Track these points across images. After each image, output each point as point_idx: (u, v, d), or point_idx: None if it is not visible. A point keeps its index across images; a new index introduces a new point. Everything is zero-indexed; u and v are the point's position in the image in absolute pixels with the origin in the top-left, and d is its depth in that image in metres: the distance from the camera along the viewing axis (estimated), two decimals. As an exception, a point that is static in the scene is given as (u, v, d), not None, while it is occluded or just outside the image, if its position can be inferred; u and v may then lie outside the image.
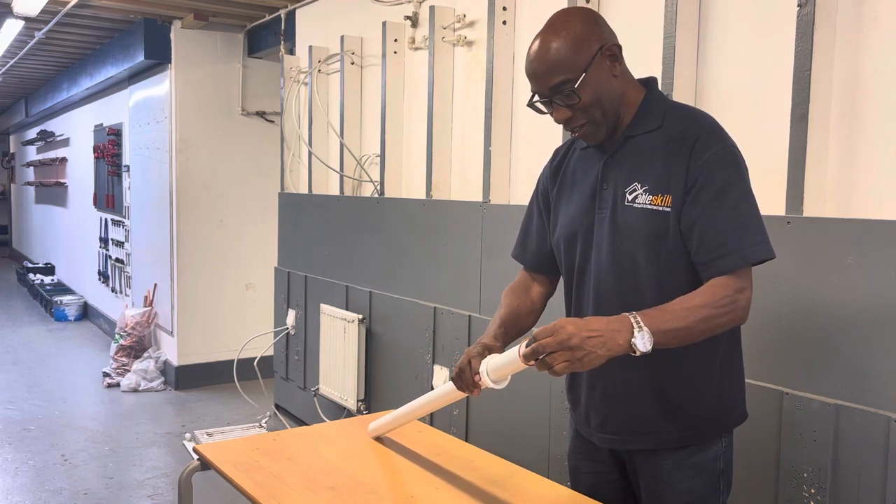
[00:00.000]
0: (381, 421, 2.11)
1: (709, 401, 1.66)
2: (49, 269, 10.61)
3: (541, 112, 1.69)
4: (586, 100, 1.60)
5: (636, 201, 1.61)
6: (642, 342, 1.41)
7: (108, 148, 7.22)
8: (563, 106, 1.62)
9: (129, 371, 5.93)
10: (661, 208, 1.58)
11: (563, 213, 1.76)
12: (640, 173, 1.62)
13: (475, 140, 3.24)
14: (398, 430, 2.10)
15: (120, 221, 7.22)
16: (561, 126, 1.77)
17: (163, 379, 5.92)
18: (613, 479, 1.79)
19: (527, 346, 1.43)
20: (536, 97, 1.66)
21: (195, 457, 2.02)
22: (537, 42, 1.64)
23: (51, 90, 9.01)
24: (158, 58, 5.63)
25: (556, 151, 1.87)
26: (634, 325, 1.41)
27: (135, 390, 5.78)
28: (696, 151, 1.55)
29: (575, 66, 1.59)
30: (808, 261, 1.99)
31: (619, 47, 1.64)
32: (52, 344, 7.49)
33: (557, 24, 1.64)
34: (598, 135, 1.66)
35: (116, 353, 6.09)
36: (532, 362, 1.43)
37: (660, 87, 2.35)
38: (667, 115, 1.64)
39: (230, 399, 5.43)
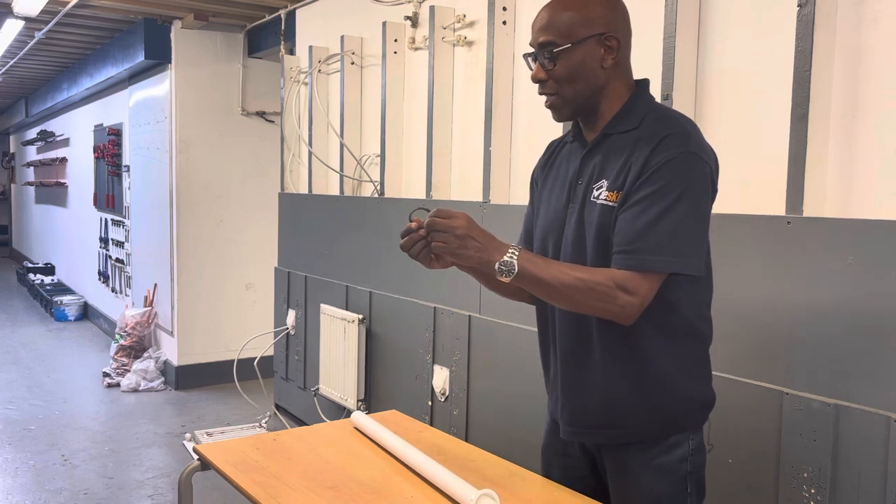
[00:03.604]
0: (367, 423, 2.14)
1: (661, 398, 1.65)
2: (49, 269, 10.62)
3: (529, 67, 1.71)
4: (561, 71, 1.62)
5: (598, 198, 1.62)
6: (501, 269, 1.52)
7: (108, 148, 7.22)
8: (542, 67, 1.64)
9: (129, 371, 5.93)
10: (612, 204, 1.59)
11: (545, 206, 1.78)
12: (607, 170, 1.63)
13: (475, 140, 3.24)
14: (399, 430, 2.10)
15: (120, 221, 7.22)
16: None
17: (163, 379, 5.92)
18: (584, 475, 1.80)
19: (428, 215, 1.55)
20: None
21: (195, 457, 2.02)
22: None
23: (51, 90, 9.01)
24: (158, 58, 5.63)
25: (550, 145, 1.89)
26: (509, 254, 1.52)
27: (135, 390, 5.78)
28: (656, 151, 1.54)
29: (567, 33, 1.61)
30: (808, 261, 1.98)
31: (619, 43, 1.63)
32: (52, 344, 7.49)
33: None
34: (562, 112, 1.68)
35: (116, 353, 6.09)
36: (422, 230, 1.56)
37: (660, 87, 2.37)
38: (647, 116, 1.63)
39: (230, 399, 5.43)
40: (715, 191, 1.62)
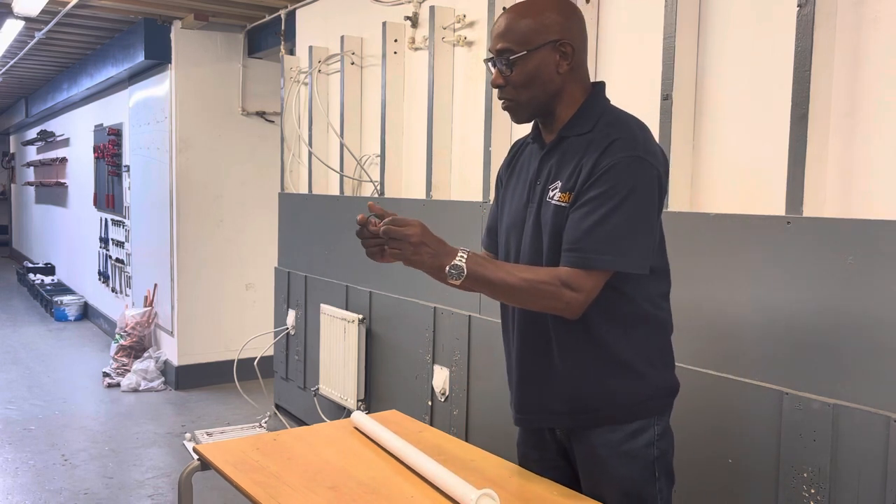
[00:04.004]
0: (367, 423, 2.14)
1: (620, 384, 1.71)
2: (49, 269, 10.61)
3: (490, 72, 1.77)
4: (518, 78, 1.70)
5: (553, 198, 1.69)
6: (451, 273, 1.60)
7: (109, 148, 7.22)
8: (500, 73, 1.72)
9: (129, 371, 5.93)
10: (564, 204, 1.66)
11: (509, 205, 1.86)
12: (561, 172, 1.69)
13: (475, 140, 3.24)
14: (399, 430, 2.10)
15: (120, 221, 7.22)
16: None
17: (163, 379, 5.92)
18: (559, 465, 1.86)
19: (383, 223, 1.64)
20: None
21: (195, 457, 2.02)
22: (512, 6, 1.74)
23: (51, 90, 9.01)
24: (158, 58, 5.63)
25: (514, 145, 1.95)
26: (458, 258, 1.61)
27: (135, 390, 5.78)
28: (605, 154, 1.61)
29: (523, 41, 1.68)
30: (808, 261, 1.98)
31: (574, 49, 1.70)
32: (53, 344, 7.49)
33: (536, 1, 1.72)
34: (519, 115, 1.77)
35: (116, 353, 6.09)
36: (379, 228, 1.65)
37: (660, 87, 2.37)
38: (600, 120, 1.70)
39: (230, 399, 5.43)
40: (663, 192, 1.68)
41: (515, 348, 1.82)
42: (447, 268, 1.61)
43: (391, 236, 1.62)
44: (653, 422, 1.72)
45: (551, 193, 1.69)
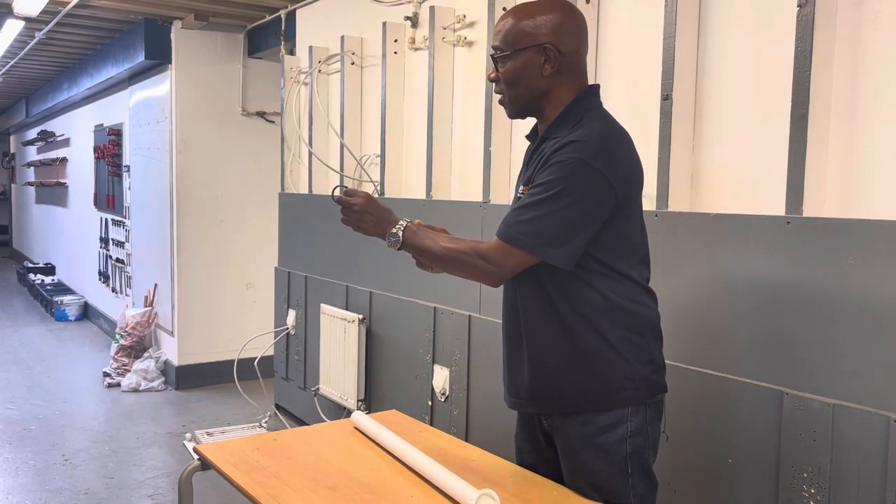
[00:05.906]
0: (367, 423, 2.14)
1: (587, 372, 1.74)
2: (49, 269, 10.62)
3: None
4: (505, 76, 1.80)
5: (519, 192, 1.79)
6: (390, 240, 1.81)
7: (109, 148, 7.22)
8: (494, 68, 1.83)
9: (129, 371, 5.93)
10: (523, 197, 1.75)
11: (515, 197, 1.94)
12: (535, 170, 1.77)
13: (475, 140, 3.24)
14: (399, 430, 2.10)
15: (120, 221, 7.22)
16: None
17: (163, 379, 5.92)
18: (550, 457, 1.89)
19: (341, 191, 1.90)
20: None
21: (195, 457, 2.02)
22: (516, 6, 1.82)
23: (51, 90, 9.02)
24: (159, 58, 5.64)
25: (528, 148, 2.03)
26: (397, 227, 1.81)
27: (135, 390, 5.78)
28: (557, 152, 1.67)
29: (511, 41, 1.77)
30: (808, 261, 1.99)
31: (561, 53, 1.74)
32: (53, 344, 7.49)
33: (538, 4, 1.78)
34: (509, 111, 1.87)
35: (117, 353, 6.10)
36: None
37: (660, 87, 2.37)
38: (578, 124, 1.72)
39: (230, 399, 5.43)
40: (616, 199, 1.68)
41: (503, 335, 1.90)
42: (387, 236, 1.81)
43: (342, 204, 1.87)
44: (626, 416, 1.74)
45: (521, 189, 1.80)
